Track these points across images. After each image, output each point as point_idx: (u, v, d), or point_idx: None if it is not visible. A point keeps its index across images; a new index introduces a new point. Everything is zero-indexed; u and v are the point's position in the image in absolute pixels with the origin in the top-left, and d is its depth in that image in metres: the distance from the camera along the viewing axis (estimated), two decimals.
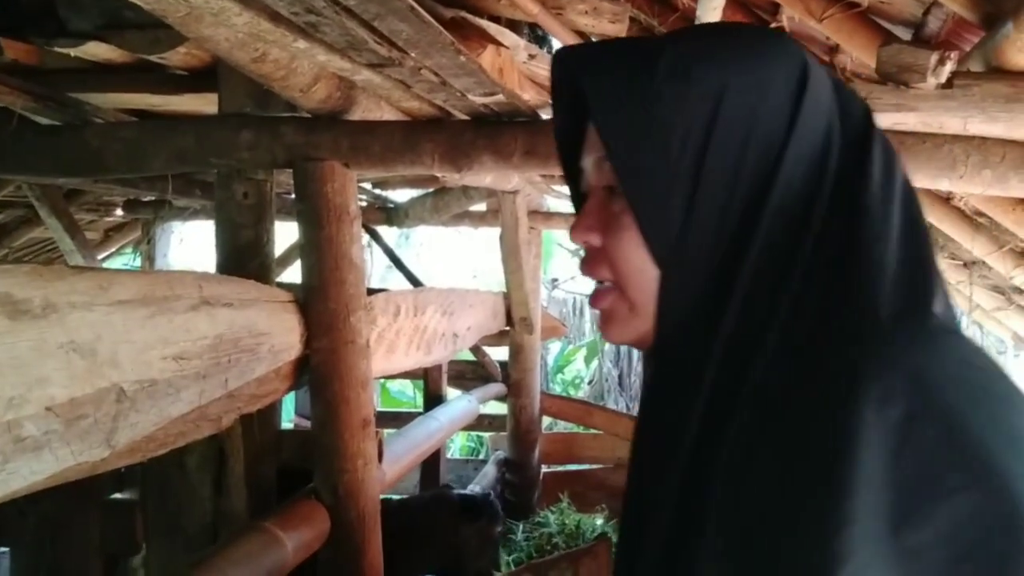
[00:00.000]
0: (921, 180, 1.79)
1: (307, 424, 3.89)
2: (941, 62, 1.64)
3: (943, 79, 1.64)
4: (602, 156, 0.69)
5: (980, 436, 0.51)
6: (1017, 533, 0.48)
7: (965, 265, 3.99)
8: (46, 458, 0.99)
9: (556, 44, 3.17)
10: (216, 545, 1.62)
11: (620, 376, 9.06)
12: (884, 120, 1.75)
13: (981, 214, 3.25)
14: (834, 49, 2.68)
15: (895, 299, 0.58)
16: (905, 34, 2.21)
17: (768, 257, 0.62)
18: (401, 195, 4.55)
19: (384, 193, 4.42)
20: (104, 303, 1.10)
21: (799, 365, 0.57)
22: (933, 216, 3.51)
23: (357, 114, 1.90)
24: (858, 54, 2.32)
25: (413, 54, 1.34)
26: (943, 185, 1.77)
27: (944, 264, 4.14)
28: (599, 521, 4.50)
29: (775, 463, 0.55)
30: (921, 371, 0.53)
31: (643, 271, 0.66)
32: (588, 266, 0.72)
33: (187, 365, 1.28)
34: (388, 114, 2.02)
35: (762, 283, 0.61)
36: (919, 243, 0.62)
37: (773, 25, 2.63)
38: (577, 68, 0.68)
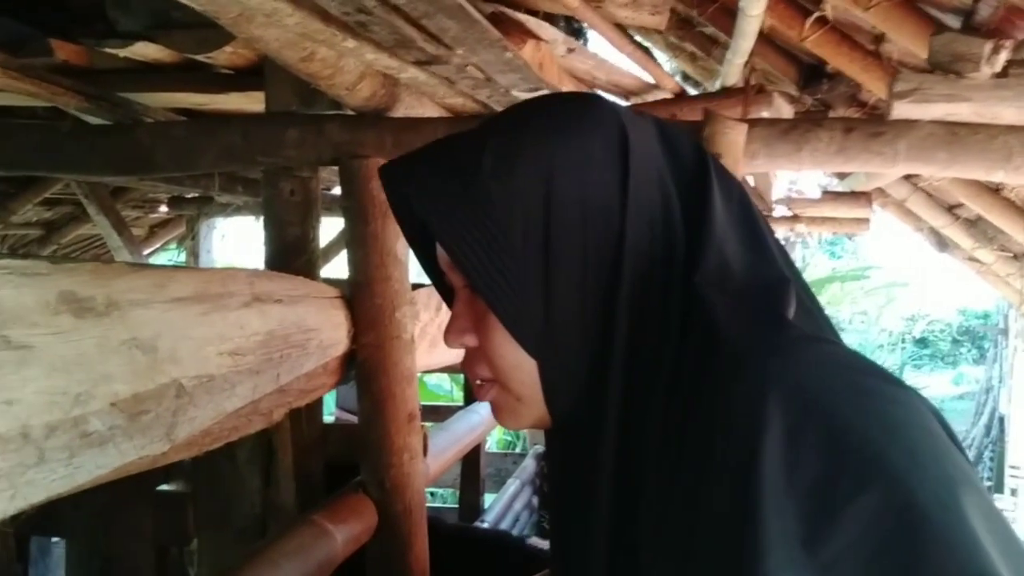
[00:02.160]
0: (974, 172, 1.76)
1: (349, 417, 3.92)
2: (995, 51, 1.61)
3: (998, 68, 1.62)
4: (450, 261, 0.69)
5: (863, 437, 0.51)
6: (917, 525, 0.49)
7: (1015, 257, 3.92)
8: (110, 452, 1.01)
9: (593, 37, 3.16)
10: (268, 537, 1.64)
11: None
12: (935, 111, 1.72)
13: None
14: (880, 38, 2.64)
15: (749, 327, 0.59)
16: (955, 22, 2.17)
17: (639, 319, 0.63)
18: None
19: None
20: (162, 300, 1.13)
21: (687, 415, 0.58)
22: (982, 207, 3.45)
23: (400, 111, 1.91)
24: (905, 43, 2.28)
25: (460, 51, 1.34)
26: (997, 177, 1.74)
27: (993, 256, 4.06)
28: None
29: (687, 515, 0.55)
30: (792, 386, 0.53)
31: (520, 365, 0.67)
32: (467, 366, 0.73)
33: (241, 361, 1.30)
34: (430, 110, 2.03)
35: (639, 348, 0.62)
36: (764, 258, 0.65)
37: (816, 15, 2.60)
38: (404, 183, 0.68)
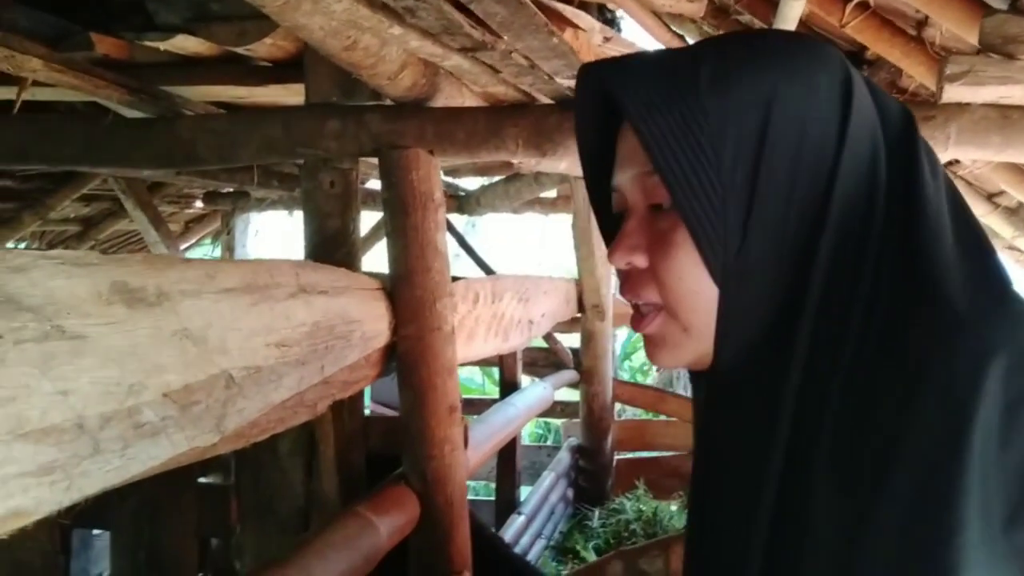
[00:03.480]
0: None
1: (383, 410, 3.93)
2: None
3: None
4: (644, 172, 0.66)
5: None
6: None
7: None
8: (162, 443, 1.01)
9: (628, 25, 3.13)
10: (313, 529, 1.65)
11: None
12: (988, 94, 1.68)
13: None
14: (922, 23, 2.59)
15: (971, 292, 0.56)
16: (1001, 3, 2.12)
17: (834, 269, 0.59)
18: (470, 183, 4.56)
19: (455, 181, 4.44)
20: (212, 291, 1.12)
21: (882, 373, 0.54)
22: None
23: (440, 101, 1.90)
24: (950, 26, 2.23)
25: (506, 37, 1.33)
26: None
27: None
28: (675, 507, 4.47)
29: (875, 474, 0.52)
30: (1018, 358, 0.50)
31: (699, 291, 0.63)
32: (632, 288, 0.68)
33: (288, 352, 1.30)
34: (469, 100, 2.02)
35: (832, 297, 0.59)
36: (976, 237, 0.61)
37: (857, 0, 2.55)
38: (611, 82, 0.65)
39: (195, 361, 1.05)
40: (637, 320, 0.69)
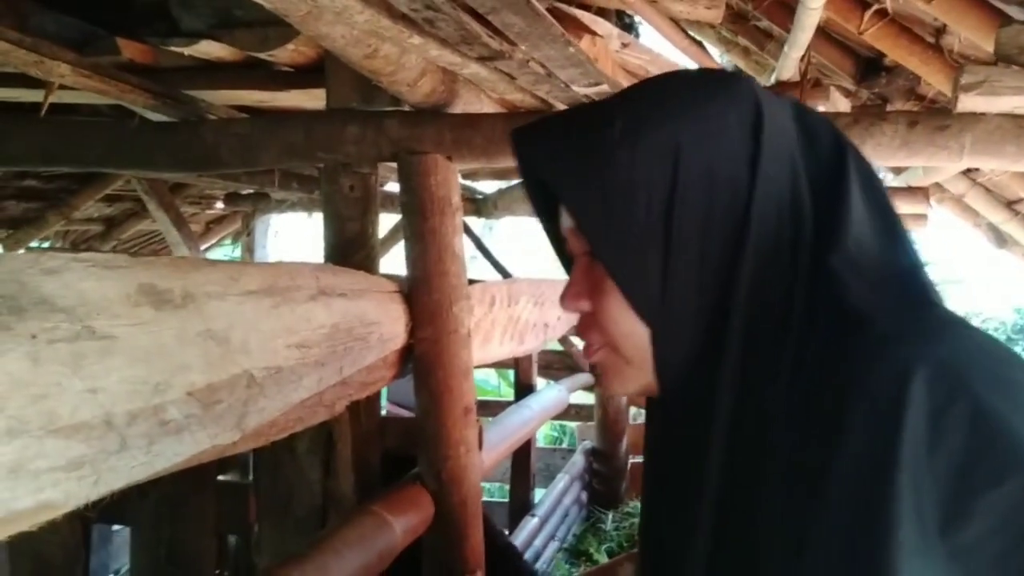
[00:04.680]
0: None
1: (400, 411, 3.96)
2: None
3: None
4: (574, 226, 0.70)
5: (1008, 426, 0.51)
6: None
7: None
8: (186, 441, 1.04)
9: (646, 31, 3.14)
10: (330, 527, 1.67)
11: None
12: (1003, 104, 1.69)
13: None
14: (941, 31, 2.59)
15: (896, 301, 0.59)
16: (1020, 14, 2.12)
17: (759, 296, 0.62)
18: (487, 186, 4.59)
19: (472, 184, 4.47)
20: (235, 293, 1.15)
21: (817, 395, 0.57)
22: None
23: (459, 107, 1.92)
24: (968, 35, 2.24)
25: (523, 47, 1.35)
26: None
27: None
28: None
29: (811, 488, 0.55)
30: (938, 367, 0.53)
31: (633, 331, 0.67)
32: (581, 331, 0.74)
33: (308, 353, 1.32)
34: (487, 106, 2.04)
35: (759, 324, 0.62)
36: (903, 246, 0.64)
37: (875, 7, 2.56)
38: (532, 147, 0.69)
39: (218, 361, 1.08)
40: (587, 351, 0.74)
